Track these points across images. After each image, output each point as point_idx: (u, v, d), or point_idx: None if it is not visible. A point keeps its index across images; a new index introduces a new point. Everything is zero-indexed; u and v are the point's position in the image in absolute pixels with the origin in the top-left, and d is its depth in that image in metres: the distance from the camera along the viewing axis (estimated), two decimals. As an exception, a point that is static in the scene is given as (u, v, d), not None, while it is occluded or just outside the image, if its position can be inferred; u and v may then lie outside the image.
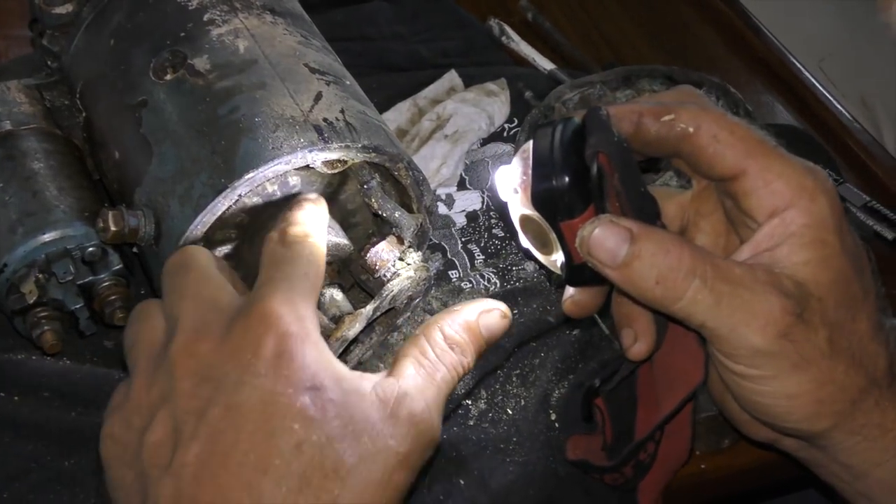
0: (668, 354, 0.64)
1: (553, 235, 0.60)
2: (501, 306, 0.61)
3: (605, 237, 0.56)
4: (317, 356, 0.51)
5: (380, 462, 0.50)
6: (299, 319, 0.52)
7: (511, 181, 0.61)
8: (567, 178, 0.57)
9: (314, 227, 0.60)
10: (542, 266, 0.66)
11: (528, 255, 0.83)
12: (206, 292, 0.55)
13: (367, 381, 0.53)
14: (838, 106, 1.15)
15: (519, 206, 0.61)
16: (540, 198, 0.58)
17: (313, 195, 0.63)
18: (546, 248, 0.62)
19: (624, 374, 0.66)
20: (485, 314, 0.60)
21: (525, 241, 0.63)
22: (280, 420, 0.49)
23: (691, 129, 0.58)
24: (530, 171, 0.59)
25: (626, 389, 0.67)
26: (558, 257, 0.61)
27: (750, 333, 0.54)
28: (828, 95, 1.17)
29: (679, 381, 0.62)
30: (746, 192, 0.58)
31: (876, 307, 0.58)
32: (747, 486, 0.81)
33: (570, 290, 0.65)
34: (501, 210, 0.88)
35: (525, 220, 0.61)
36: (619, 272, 0.56)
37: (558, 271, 0.62)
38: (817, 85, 1.18)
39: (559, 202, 0.57)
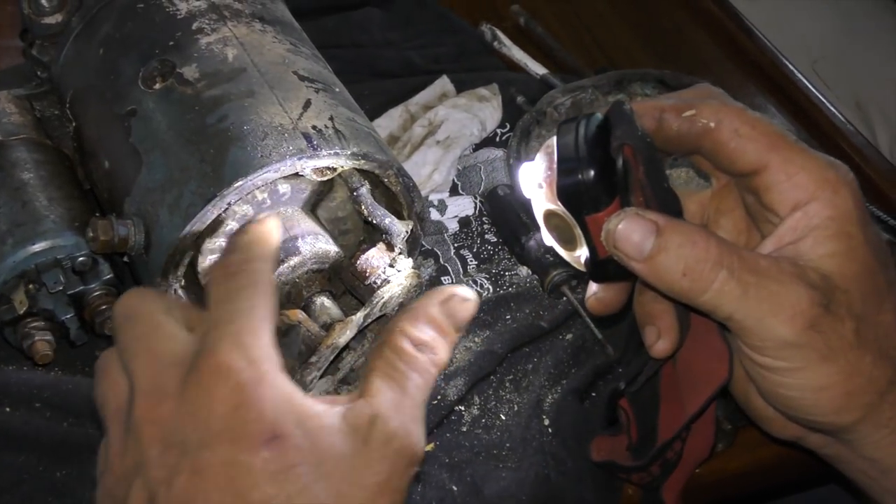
0: (691, 353, 0.63)
1: (578, 231, 0.59)
2: (460, 290, 0.55)
3: (631, 230, 0.56)
4: (275, 400, 0.48)
5: (359, 496, 0.48)
6: (251, 363, 0.48)
7: (535, 177, 0.61)
8: (593, 172, 0.56)
9: (256, 250, 0.55)
10: (564, 262, 0.66)
11: (550, 253, 0.83)
12: (157, 346, 0.52)
13: (335, 413, 0.50)
14: (832, 108, 1.15)
15: (543, 202, 0.61)
16: (566, 192, 0.58)
17: (263, 215, 0.58)
18: (570, 245, 0.61)
19: (649, 374, 0.66)
20: (445, 303, 0.55)
21: (549, 238, 0.62)
22: (245, 480, 0.47)
23: (713, 125, 0.58)
24: (555, 167, 0.59)
25: (649, 389, 0.66)
26: (582, 253, 0.60)
27: (777, 324, 0.54)
28: (821, 98, 1.17)
29: (704, 380, 0.62)
30: (768, 186, 0.57)
31: None
32: (741, 490, 0.80)
33: (593, 287, 0.64)
34: (498, 216, 0.88)
35: (549, 215, 0.61)
36: (646, 265, 0.56)
37: (581, 268, 0.61)
38: (811, 87, 1.18)
39: (585, 196, 0.57)
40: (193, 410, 0.48)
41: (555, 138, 0.59)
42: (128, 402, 0.51)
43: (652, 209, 0.57)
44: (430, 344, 0.54)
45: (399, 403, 0.51)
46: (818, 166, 0.57)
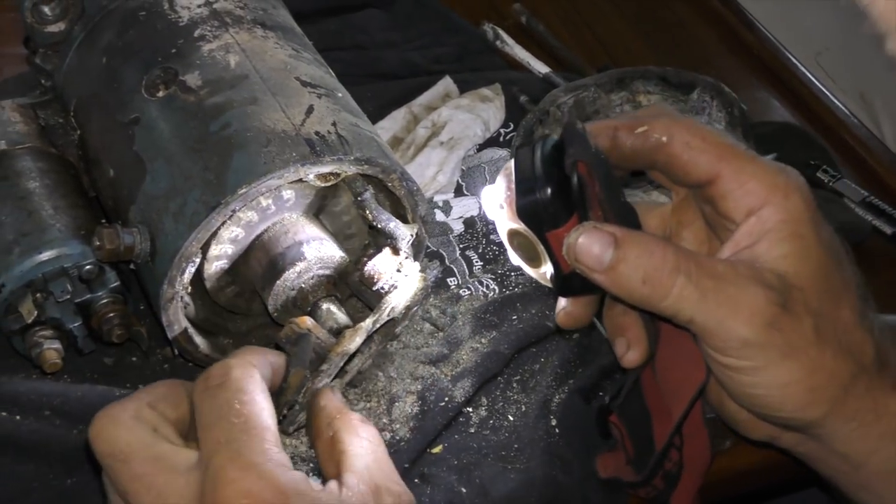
0: (668, 361, 0.64)
1: (541, 247, 0.61)
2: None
3: (590, 243, 0.57)
4: None
5: None
6: (267, 482, 0.50)
7: (496, 198, 0.63)
8: (549, 190, 0.58)
9: (233, 360, 0.57)
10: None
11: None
12: (162, 487, 0.51)
13: (347, 498, 0.54)
14: (836, 101, 1.15)
15: (506, 222, 0.63)
16: (525, 210, 0.60)
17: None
18: (534, 262, 0.63)
19: (629, 386, 0.67)
20: (334, 394, 0.64)
21: (514, 256, 0.64)
22: None
23: (665, 139, 0.60)
24: (514, 187, 0.60)
25: (636, 403, 0.67)
26: (547, 269, 0.62)
27: (737, 325, 0.56)
28: (825, 91, 1.17)
29: (684, 384, 0.63)
30: (723, 194, 0.59)
31: (857, 296, 0.59)
32: (750, 486, 0.80)
33: (561, 303, 0.66)
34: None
35: (512, 234, 0.63)
36: (607, 275, 0.57)
37: (548, 283, 0.63)
38: (814, 80, 1.18)
39: (544, 213, 0.59)
40: None
41: (512, 161, 0.61)
42: None
43: (610, 222, 0.59)
44: (365, 420, 0.62)
45: (384, 471, 0.58)
46: (768, 173, 0.59)
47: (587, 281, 0.58)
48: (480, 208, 0.91)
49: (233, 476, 0.49)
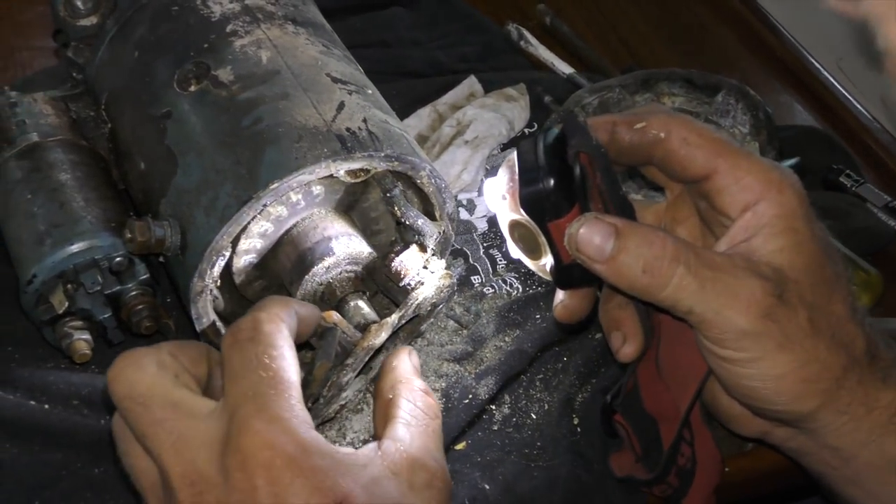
0: (671, 355, 0.65)
1: (542, 239, 0.62)
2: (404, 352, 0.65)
3: (592, 233, 0.58)
4: (328, 466, 0.50)
5: None
6: (291, 435, 0.50)
7: (498, 190, 0.64)
8: (552, 180, 0.59)
9: (263, 314, 0.56)
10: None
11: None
12: (183, 431, 0.51)
13: (378, 463, 0.53)
14: (858, 105, 1.15)
15: (507, 213, 0.64)
16: (528, 200, 0.60)
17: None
18: (535, 254, 0.64)
19: (628, 385, 0.67)
20: (410, 357, 0.64)
21: (514, 248, 0.65)
22: None
23: (662, 135, 0.61)
24: (517, 178, 0.61)
25: (637, 402, 0.68)
26: (547, 261, 0.63)
27: (734, 315, 0.57)
28: (847, 95, 1.17)
29: (688, 375, 0.64)
30: (719, 190, 0.60)
31: (849, 290, 0.60)
32: (772, 488, 0.81)
33: (559, 296, 0.67)
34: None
35: (514, 225, 0.63)
36: (608, 266, 0.58)
37: (547, 276, 0.63)
38: (836, 84, 1.18)
39: (546, 203, 0.60)
40: (246, 496, 0.48)
41: (515, 152, 0.62)
42: (162, 484, 0.51)
43: (611, 213, 0.60)
44: (428, 392, 0.61)
45: (427, 444, 0.56)
46: (763, 169, 0.60)
47: (587, 272, 0.60)
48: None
49: (258, 427, 0.49)
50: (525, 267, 0.86)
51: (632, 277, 0.58)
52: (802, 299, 0.58)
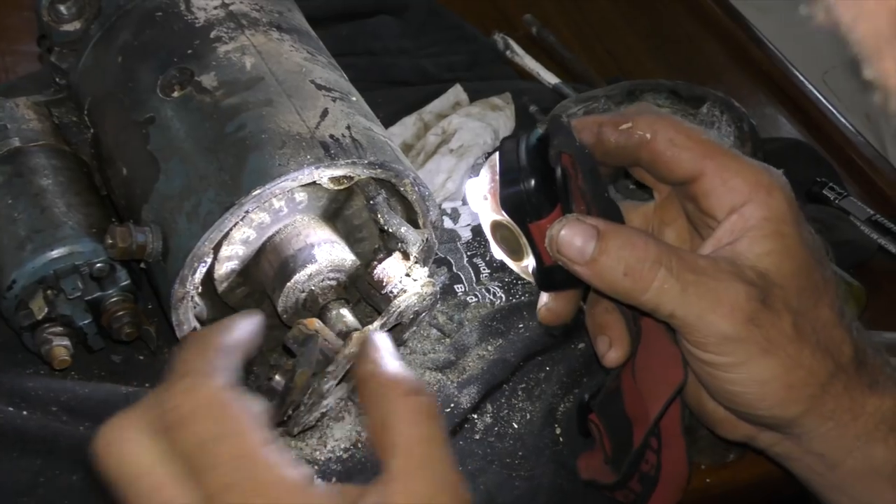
0: (647, 361, 0.65)
1: (523, 240, 0.62)
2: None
3: (573, 235, 0.58)
4: None
5: None
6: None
7: (480, 190, 0.63)
8: (533, 181, 0.59)
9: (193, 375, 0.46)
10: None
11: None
12: None
13: None
14: (842, 119, 1.16)
15: (489, 213, 0.63)
16: (508, 201, 0.60)
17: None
18: (517, 255, 0.63)
19: (610, 387, 0.67)
20: (383, 354, 0.51)
21: (496, 249, 0.64)
22: None
23: (649, 136, 0.61)
24: (497, 178, 0.61)
25: (616, 403, 0.67)
26: (529, 263, 0.62)
27: (717, 320, 0.56)
28: (831, 109, 1.17)
29: (661, 384, 0.63)
30: (706, 191, 0.60)
31: (837, 296, 0.60)
32: (753, 500, 0.81)
33: (543, 298, 0.66)
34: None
35: (496, 226, 0.63)
36: (589, 268, 0.58)
37: (530, 277, 0.63)
38: (821, 98, 1.19)
39: (527, 204, 0.60)
40: None
41: (497, 153, 0.62)
42: None
43: (593, 215, 0.59)
44: (421, 390, 0.49)
45: (439, 477, 0.46)
46: (752, 171, 0.60)
47: (569, 275, 0.59)
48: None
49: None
50: (509, 276, 0.87)
51: (613, 280, 0.57)
52: (787, 304, 0.58)
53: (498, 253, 0.65)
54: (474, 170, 0.95)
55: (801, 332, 0.58)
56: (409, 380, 0.48)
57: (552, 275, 0.62)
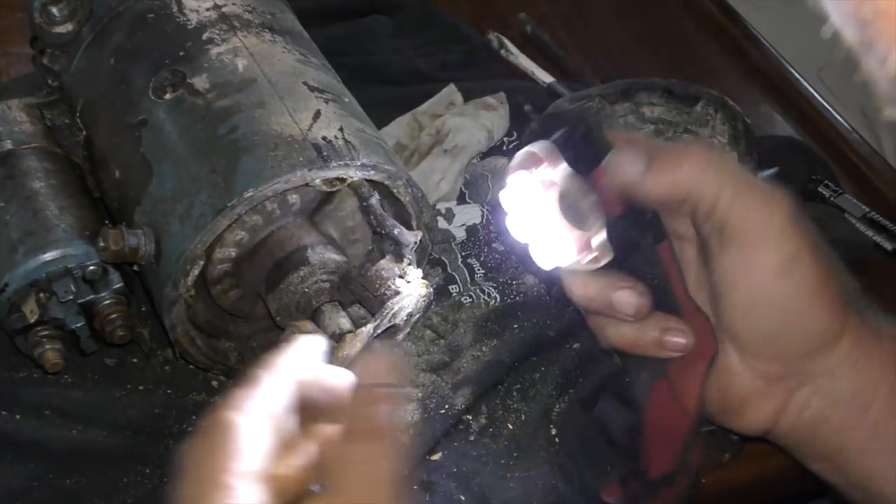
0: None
1: (591, 201, 0.60)
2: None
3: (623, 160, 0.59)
4: None
5: None
6: None
7: (529, 182, 0.62)
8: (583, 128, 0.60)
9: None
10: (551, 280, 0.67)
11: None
12: None
13: None
14: (837, 116, 1.15)
15: (553, 200, 0.62)
16: (568, 148, 0.60)
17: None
18: (585, 223, 0.61)
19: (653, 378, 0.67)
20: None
21: (558, 224, 0.62)
22: None
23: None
24: (558, 140, 0.61)
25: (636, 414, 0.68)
26: (596, 226, 0.61)
27: (774, 212, 0.59)
28: (827, 106, 1.17)
29: (695, 357, 0.63)
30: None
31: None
32: (748, 500, 0.81)
33: (574, 280, 0.65)
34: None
35: (559, 198, 0.61)
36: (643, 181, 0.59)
37: (594, 252, 0.62)
38: (816, 95, 1.18)
39: (586, 150, 0.60)
40: None
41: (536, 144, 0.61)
42: None
43: None
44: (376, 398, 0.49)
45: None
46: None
47: (636, 224, 0.60)
48: (483, 215, 0.91)
49: None
50: (503, 276, 0.86)
51: (674, 178, 0.59)
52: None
53: (560, 232, 0.62)
54: (469, 174, 0.95)
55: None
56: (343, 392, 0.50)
57: (620, 226, 0.61)
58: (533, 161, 0.62)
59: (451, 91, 1.04)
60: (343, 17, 1.13)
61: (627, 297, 0.63)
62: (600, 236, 0.61)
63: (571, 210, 0.62)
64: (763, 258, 0.59)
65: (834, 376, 0.61)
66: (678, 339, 0.63)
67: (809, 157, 1.06)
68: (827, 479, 0.66)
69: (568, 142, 0.60)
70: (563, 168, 0.60)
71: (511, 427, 0.75)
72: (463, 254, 0.89)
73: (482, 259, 0.88)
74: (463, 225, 0.91)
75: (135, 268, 0.70)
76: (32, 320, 0.69)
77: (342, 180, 0.67)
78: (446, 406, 0.74)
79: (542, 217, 0.63)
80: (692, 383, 0.64)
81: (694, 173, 0.59)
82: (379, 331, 0.67)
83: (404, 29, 1.15)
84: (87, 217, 0.73)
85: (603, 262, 0.62)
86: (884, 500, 0.63)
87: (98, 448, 0.70)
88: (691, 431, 0.64)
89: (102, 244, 0.66)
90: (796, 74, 1.21)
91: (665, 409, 0.66)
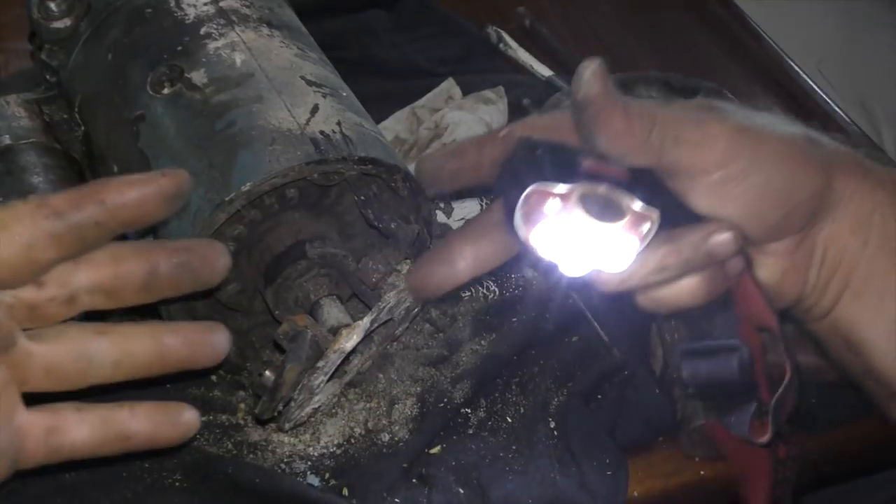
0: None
1: (604, 189, 0.57)
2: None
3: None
4: None
5: None
6: None
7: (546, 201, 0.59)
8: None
9: None
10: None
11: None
12: None
13: None
14: (837, 109, 1.15)
15: (581, 214, 0.58)
16: (548, 169, 0.57)
17: None
18: (616, 211, 0.59)
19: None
20: None
21: (609, 228, 0.58)
22: None
23: None
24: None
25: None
26: (625, 199, 0.57)
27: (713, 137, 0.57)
28: (826, 99, 1.17)
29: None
30: None
31: None
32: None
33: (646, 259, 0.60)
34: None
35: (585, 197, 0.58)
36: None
37: (644, 215, 0.57)
38: (816, 88, 1.18)
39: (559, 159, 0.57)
40: None
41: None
42: None
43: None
44: None
45: None
46: None
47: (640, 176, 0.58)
48: (481, 210, 0.91)
49: None
50: (502, 270, 0.86)
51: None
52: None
53: (588, 229, 0.59)
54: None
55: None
56: None
57: (644, 177, 0.58)
58: (538, 203, 0.59)
59: (449, 85, 1.04)
60: (341, 12, 1.13)
61: (724, 233, 0.58)
62: (637, 203, 0.58)
63: (598, 212, 0.59)
64: (715, 184, 0.57)
65: (836, 220, 0.60)
66: (723, 233, 0.58)
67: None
68: (853, 377, 0.65)
69: (539, 166, 0.57)
70: (560, 186, 0.58)
71: (510, 420, 0.75)
72: (462, 248, 0.89)
73: (481, 253, 0.88)
74: (462, 219, 0.91)
75: (133, 263, 0.70)
76: (31, 315, 0.69)
77: (340, 174, 0.67)
78: (445, 400, 0.74)
79: (585, 237, 0.58)
80: (755, 297, 0.62)
81: (633, 143, 0.57)
82: (376, 325, 0.68)
83: (402, 23, 1.15)
84: (86, 212, 0.73)
85: (657, 224, 0.59)
86: (867, 349, 0.62)
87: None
88: (781, 334, 0.63)
89: (101, 239, 0.66)
90: (796, 67, 1.21)
91: (753, 333, 0.64)
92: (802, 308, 0.64)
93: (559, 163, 0.57)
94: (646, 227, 0.58)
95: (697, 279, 0.59)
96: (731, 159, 0.57)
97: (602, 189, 0.57)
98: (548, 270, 0.59)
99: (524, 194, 0.56)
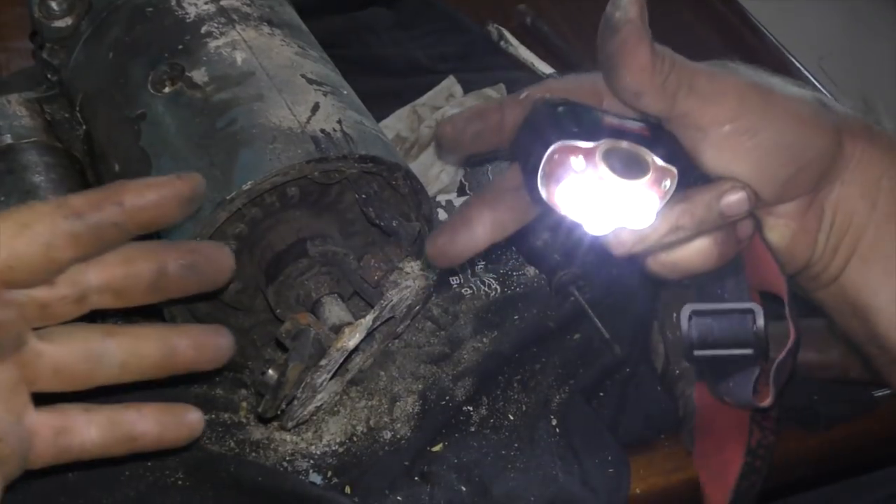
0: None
1: (627, 145, 0.56)
2: None
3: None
4: None
5: None
6: None
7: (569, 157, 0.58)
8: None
9: None
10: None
11: (557, 253, 0.83)
12: None
13: None
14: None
15: (606, 171, 0.57)
16: (574, 127, 0.56)
17: None
18: (637, 167, 0.58)
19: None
20: None
21: (631, 184, 0.58)
22: None
23: None
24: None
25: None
26: (646, 155, 0.58)
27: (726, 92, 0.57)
28: (828, 94, 1.16)
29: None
30: None
31: None
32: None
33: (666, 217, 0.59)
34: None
35: (608, 153, 0.58)
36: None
37: (663, 171, 0.56)
38: (817, 84, 1.18)
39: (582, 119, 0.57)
40: None
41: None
42: None
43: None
44: None
45: None
46: None
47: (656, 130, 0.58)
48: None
49: None
50: (504, 268, 0.86)
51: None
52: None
53: (613, 186, 0.58)
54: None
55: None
56: None
57: (662, 134, 0.58)
58: (562, 160, 0.58)
59: (450, 83, 1.04)
60: (342, 10, 1.13)
61: (737, 192, 0.57)
62: (657, 159, 0.58)
63: (621, 169, 0.58)
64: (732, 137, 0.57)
65: (844, 183, 0.60)
66: (736, 192, 0.57)
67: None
68: (859, 345, 0.65)
69: (562, 123, 0.57)
70: (584, 143, 0.57)
71: (512, 418, 0.75)
72: (463, 245, 0.89)
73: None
74: (463, 217, 0.91)
75: (135, 261, 0.70)
76: (33, 314, 0.69)
77: (341, 172, 0.67)
78: (447, 397, 0.74)
79: (609, 194, 0.56)
80: (765, 260, 0.62)
81: (652, 82, 0.57)
82: (378, 323, 0.68)
83: (403, 21, 1.15)
84: (87, 211, 0.73)
85: (676, 181, 0.59)
86: (874, 314, 0.61)
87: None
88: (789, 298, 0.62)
89: (102, 238, 0.66)
90: (797, 63, 1.21)
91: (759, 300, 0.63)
92: (811, 274, 0.63)
93: (582, 120, 0.57)
94: (667, 182, 0.57)
95: (709, 241, 0.59)
96: (741, 113, 0.57)
97: (625, 144, 0.57)
98: (569, 231, 0.58)
99: (548, 151, 0.56)
